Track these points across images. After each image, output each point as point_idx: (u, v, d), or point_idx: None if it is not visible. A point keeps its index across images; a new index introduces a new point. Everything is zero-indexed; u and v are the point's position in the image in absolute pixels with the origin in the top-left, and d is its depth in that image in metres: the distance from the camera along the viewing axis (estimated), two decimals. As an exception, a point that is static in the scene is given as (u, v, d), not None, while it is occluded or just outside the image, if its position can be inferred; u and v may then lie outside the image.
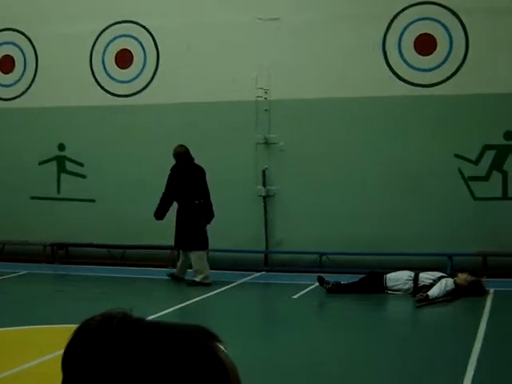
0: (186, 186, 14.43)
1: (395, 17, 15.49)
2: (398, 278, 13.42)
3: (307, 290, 13.75)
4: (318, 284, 13.64)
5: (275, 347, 10.12)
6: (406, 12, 15.44)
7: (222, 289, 14.02)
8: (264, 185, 16.19)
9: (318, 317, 12.73)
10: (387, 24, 15.52)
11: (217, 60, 16.28)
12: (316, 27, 15.77)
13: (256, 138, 16.13)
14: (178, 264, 14.96)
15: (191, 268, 14.49)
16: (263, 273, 15.80)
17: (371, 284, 13.41)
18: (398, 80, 15.50)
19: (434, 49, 15.42)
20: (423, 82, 15.42)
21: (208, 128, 16.35)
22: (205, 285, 14.13)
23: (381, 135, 15.57)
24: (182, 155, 14.73)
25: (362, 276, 13.65)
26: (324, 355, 9.35)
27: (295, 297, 13.18)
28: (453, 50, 15.33)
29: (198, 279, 14.29)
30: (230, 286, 14.35)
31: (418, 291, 12.96)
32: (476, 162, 15.25)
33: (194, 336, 1.30)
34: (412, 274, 13.42)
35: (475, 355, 9.09)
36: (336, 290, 13.37)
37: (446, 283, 12.99)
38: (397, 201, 15.45)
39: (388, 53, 15.55)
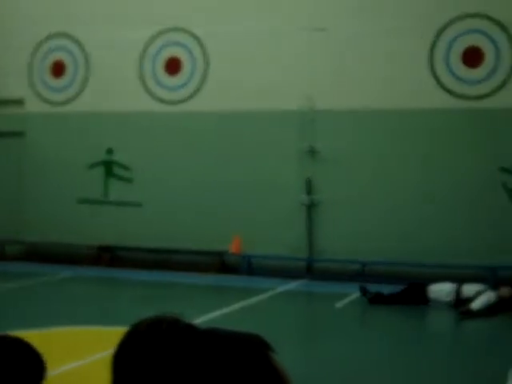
0: None
1: (442, 29, 15.48)
2: (441, 290, 13.39)
3: (349, 299, 13.77)
4: (360, 294, 13.66)
5: (317, 356, 10.15)
6: (453, 25, 15.42)
7: (265, 296, 14.11)
8: (308, 193, 16.25)
9: (360, 327, 12.75)
10: (434, 36, 15.51)
11: (262, 69, 16.38)
12: (362, 38, 15.81)
13: (301, 147, 16.20)
14: None
15: None
16: (305, 281, 15.85)
17: (413, 295, 13.40)
18: (444, 92, 15.48)
19: (482, 61, 15.38)
20: (470, 94, 15.38)
21: (252, 137, 16.47)
22: None
23: (425, 147, 15.54)
24: None
25: (404, 287, 13.65)
26: (365, 366, 9.38)
27: (338, 305, 13.22)
28: (500, 62, 15.28)
29: None
30: (272, 293, 14.42)
31: (461, 303, 12.93)
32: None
33: (250, 344, 1.32)
34: (455, 285, 13.39)
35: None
36: (378, 300, 13.39)
37: (490, 296, 12.96)
38: (440, 212, 15.41)
39: (435, 65, 15.54)
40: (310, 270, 16.38)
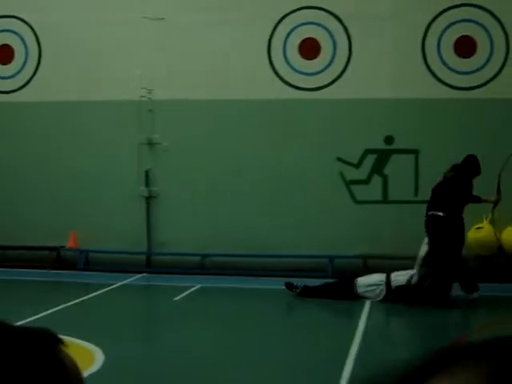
0: None
1: (280, 20, 15.58)
2: (369, 284, 12.85)
3: (189, 291, 13.67)
4: (286, 289, 13.20)
5: (154, 349, 10.00)
6: (291, 16, 15.55)
7: (102, 291, 13.81)
8: (147, 185, 16.04)
9: (198, 319, 12.64)
10: (272, 27, 15.59)
11: (100, 58, 16.03)
12: (201, 28, 15.72)
13: (139, 138, 15.96)
14: None
15: None
16: (145, 274, 15.65)
17: (342, 289, 12.94)
18: (282, 83, 15.60)
19: (319, 52, 15.58)
20: (307, 86, 15.55)
21: (89, 127, 16.10)
22: None
23: (264, 138, 15.62)
24: None
25: (334, 280, 13.31)
26: (203, 357, 9.29)
27: (177, 299, 13.08)
28: (336, 54, 15.51)
29: None
30: (111, 287, 14.14)
31: (392, 294, 12.65)
32: (357, 166, 15.46)
33: (33, 338, 1.24)
34: (383, 277, 12.87)
35: (353, 354, 9.22)
36: (306, 293, 12.99)
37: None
38: (280, 203, 15.53)
39: (272, 55, 15.62)
40: (150, 264, 16.18)
